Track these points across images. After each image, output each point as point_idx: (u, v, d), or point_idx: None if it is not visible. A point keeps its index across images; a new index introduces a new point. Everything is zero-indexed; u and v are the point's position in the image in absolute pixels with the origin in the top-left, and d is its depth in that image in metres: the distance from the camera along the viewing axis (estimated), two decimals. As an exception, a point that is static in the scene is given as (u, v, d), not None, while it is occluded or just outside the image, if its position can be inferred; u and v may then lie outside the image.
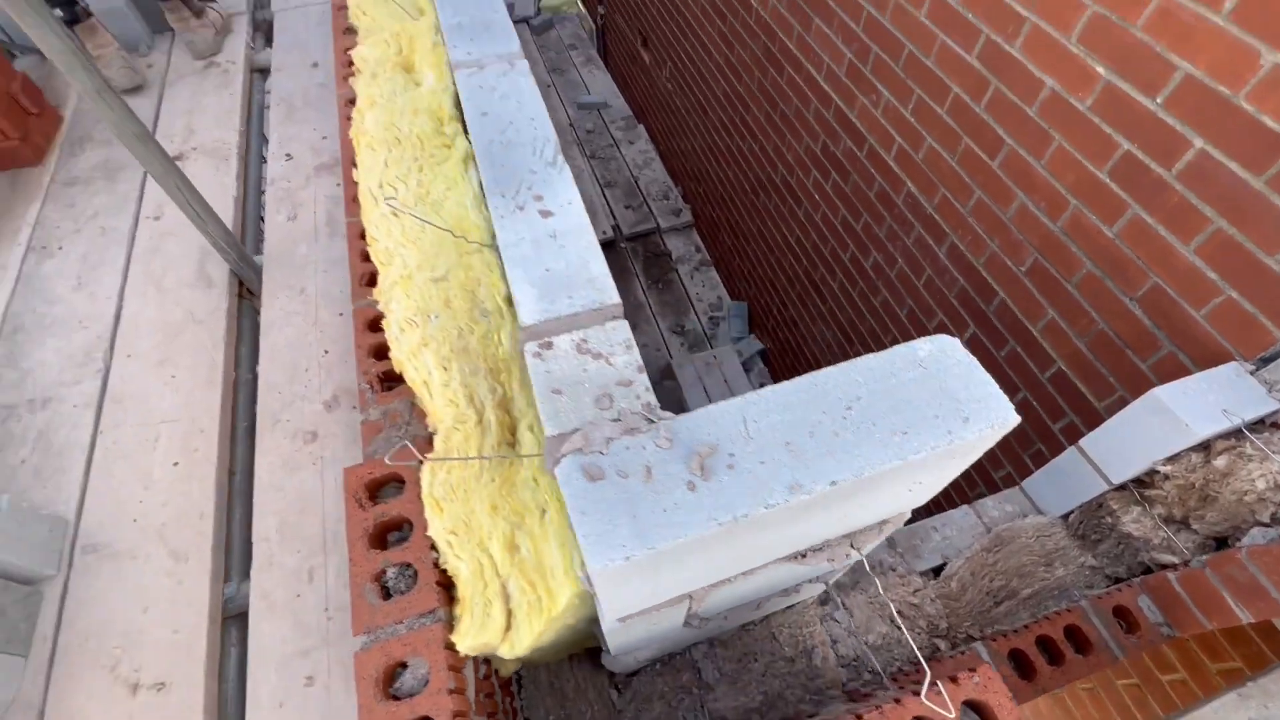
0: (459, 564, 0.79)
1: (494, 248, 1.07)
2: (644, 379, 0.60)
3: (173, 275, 1.52)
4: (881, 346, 2.47)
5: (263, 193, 1.98)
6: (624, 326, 0.64)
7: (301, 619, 1.04)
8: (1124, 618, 1.29)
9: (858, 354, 2.60)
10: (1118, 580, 1.43)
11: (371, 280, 1.24)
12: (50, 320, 1.45)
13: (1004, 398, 0.59)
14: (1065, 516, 1.50)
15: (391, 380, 1.11)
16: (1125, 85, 1.32)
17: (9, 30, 2.07)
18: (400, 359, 0.97)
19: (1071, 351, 1.64)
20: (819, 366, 2.44)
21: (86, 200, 1.69)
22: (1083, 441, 1.37)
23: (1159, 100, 1.26)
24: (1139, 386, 1.48)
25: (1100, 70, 1.36)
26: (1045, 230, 1.61)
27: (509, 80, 0.88)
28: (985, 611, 1.46)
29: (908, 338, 2.33)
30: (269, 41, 2.39)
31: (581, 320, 0.64)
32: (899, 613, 1.42)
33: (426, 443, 1.02)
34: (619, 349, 0.62)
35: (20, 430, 1.28)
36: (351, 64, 1.66)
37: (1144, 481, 1.33)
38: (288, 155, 1.78)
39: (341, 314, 1.43)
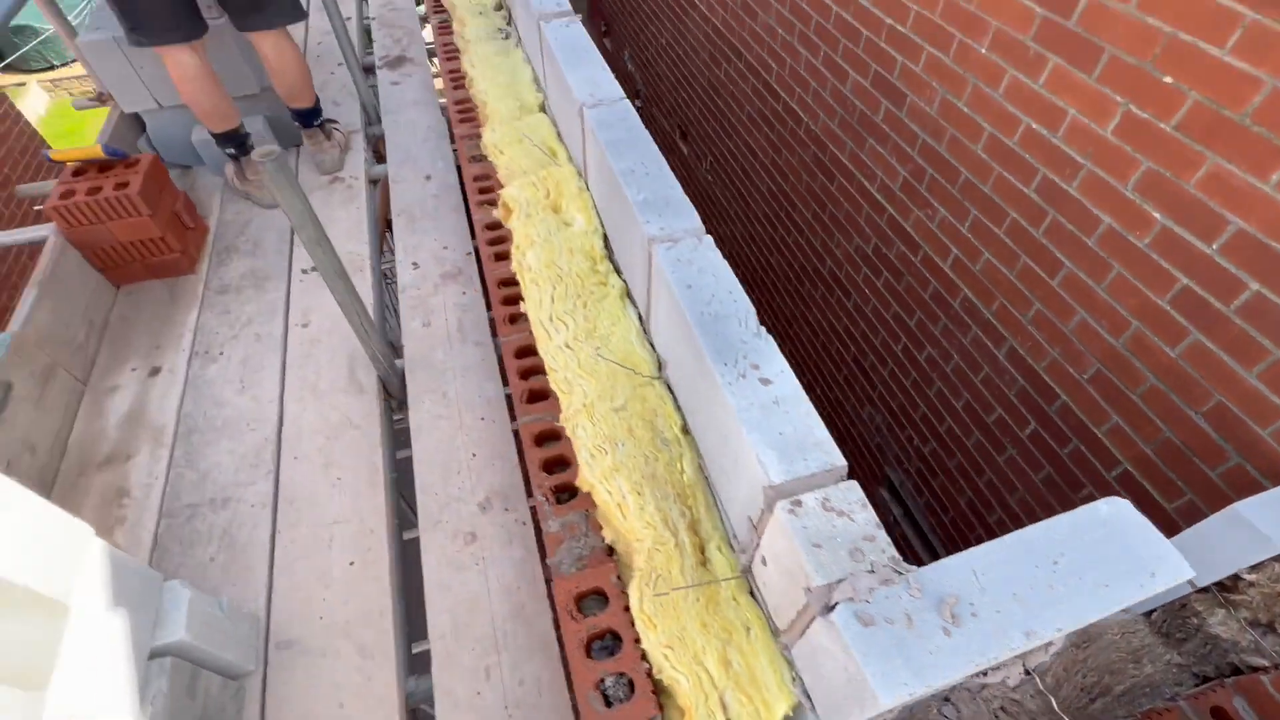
0: (677, 676, 0.91)
1: (663, 380, 1.23)
2: (884, 535, 0.74)
3: (326, 380, 1.69)
4: (936, 434, 2.62)
5: (388, 300, 2.18)
6: (855, 487, 0.79)
7: (485, 716, 1.14)
8: (1221, 718, 1.38)
9: (909, 439, 2.74)
10: (1206, 679, 1.52)
11: (532, 396, 1.40)
12: (221, 422, 1.60)
13: (1178, 554, 0.73)
14: (1148, 614, 1.60)
15: (562, 491, 1.26)
16: (1181, 230, 1.52)
17: (157, 148, 2.33)
18: (592, 481, 1.12)
19: (1138, 455, 1.79)
20: (867, 448, 2.59)
21: (239, 307, 1.88)
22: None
23: (1214, 246, 1.46)
24: (1209, 493, 1.62)
25: (1156, 216, 1.56)
26: (1107, 345, 1.79)
27: (701, 255, 1.06)
28: (1082, 708, 1.54)
29: (964, 429, 2.48)
30: (377, 155, 2.65)
31: (819, 480, 0.79)
32: (1002, 709, 1.50)
33: (605, 553, 1.15)
34: (857, 507, 0.76)
35: (206, 529, 1.41)
36: (483, 191, 1.88)
37: (1227, 586, 1.44)
38: (414, 264, 1.98)
39: (483, 418, 1.59)
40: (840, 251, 3.05)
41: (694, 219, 1.12)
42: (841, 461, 0.80)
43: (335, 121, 2.43)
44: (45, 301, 1.63)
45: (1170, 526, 1.70)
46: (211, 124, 1.91)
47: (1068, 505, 2.04)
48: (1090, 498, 1.98)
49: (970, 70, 2.02)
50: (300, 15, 1.94)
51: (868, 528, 0.75)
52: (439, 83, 2.98)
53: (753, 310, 0.98)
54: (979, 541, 2.31)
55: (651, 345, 1.28)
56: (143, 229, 1.81)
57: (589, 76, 1.49)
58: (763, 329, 0.96)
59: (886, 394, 2.98)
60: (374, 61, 3.02)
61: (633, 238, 1.22)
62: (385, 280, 2.64)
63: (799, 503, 0.77)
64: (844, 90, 2.70)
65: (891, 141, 2.48)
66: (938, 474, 2.74)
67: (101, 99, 2.34)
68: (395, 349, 1.86)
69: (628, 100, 1.42)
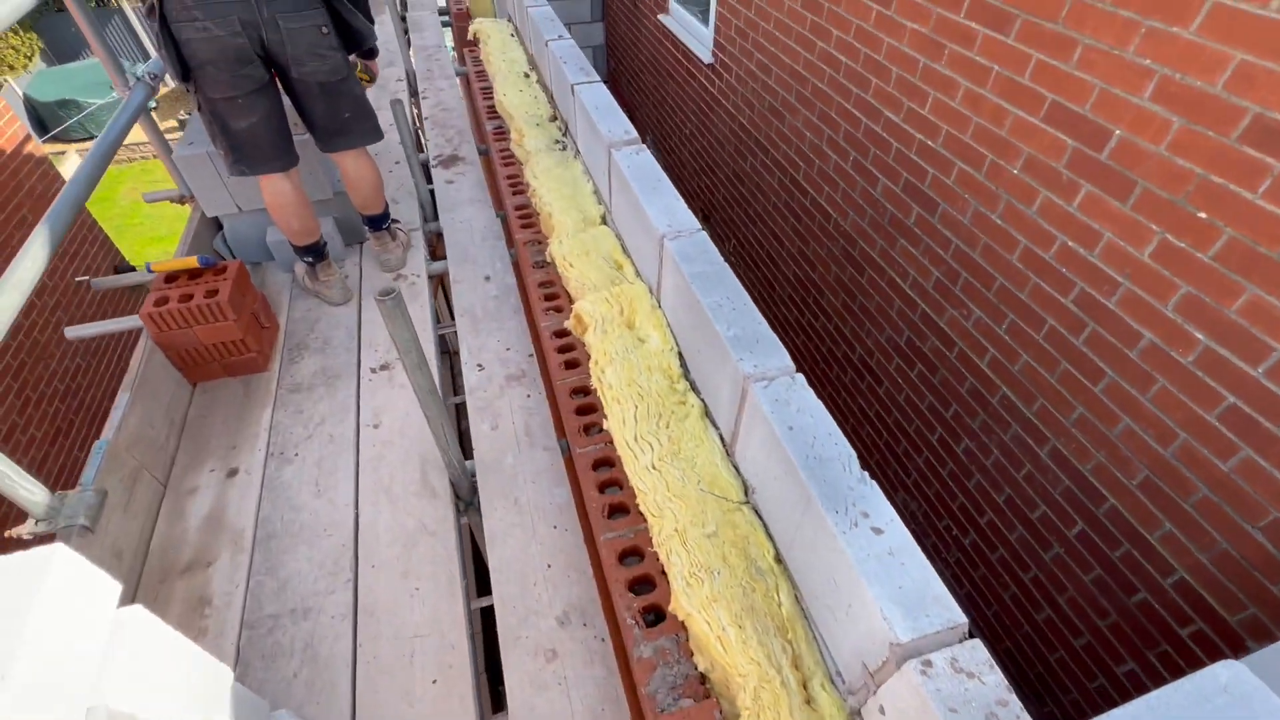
0: (796, 827, 0.91)
1: (750, 506, 1.28)
2: (1015, 699, 0.78)
3: (399, 484, 1.73)
4: (976, 526, 2.63)
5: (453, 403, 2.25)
6: (980, 646, 0.82)
7: None
8: None
9: (946, 529, 2.74)
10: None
11: (611, 510, 1.44)
12: (298, 527, 1.64)
13: (1303, 724, 0.76)
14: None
15: (648, 611, 1.28)
16: (1225, 352, 1.60)
17: (232, 245, 2.46)
18: (689, 610, 1.15)
19: (1194, 564, 1.80)
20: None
21: (312, 407, 1.94)
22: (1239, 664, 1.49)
23: (1260, 370, 1.53)
24: (1274, 609, 1.63)
25: (1199, 336, 1.65)
26: (1155, 453, 1.84)
27: (798, 395, 1.13)
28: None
29: (1008, 524, 2.49)
30: (432, 251, 2.79)
31: (944, 638, 0.83)
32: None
33: (698, 681, 1.17)
34: (985, 668, 0.80)
35: (288, 641, 1.43)
36: (548, 299, 1.99)
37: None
38: (479, 365, 2.06)
39: (555, 526, 1.62)
40: (870, 341, 3.15)
41: (785, 357, 1.20)
42: (963, 618, 0.84)
43: (399, 221, 2.58)
44: (136, 405, 1.70)
45: (1234, 641, 1.70)
46: (297, 240, 2.04)
47: (1122, 610, 2.04)
48: (1145, 604, 1.98)
49: (1003, 188, 2.16)
50: (380, 136, 2.10)
51: (999, 691, 0.78)
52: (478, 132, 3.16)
53: (854, 454, 1.04)
54: (1026, 640, 2.29)
55: (735, 468, 1.33)
56: (226, 332, 1.90)
57: (666, 206, 1.61)
58: (865, 474, 1.01)
59: (922, 482, 3.01)
60: (428, 159, 3.21)
61: (721, 370, 1.29)
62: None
63: (929, 663, 0.80)
64: (874, 193, 2.86)
65: (924, 244, 2.61)
66: (979, 566, 2.73)
67: (182, 200, 2.49)
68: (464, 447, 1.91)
69: (704, 231, 1.53)
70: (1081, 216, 1.90)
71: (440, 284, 2.79)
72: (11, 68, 15.09)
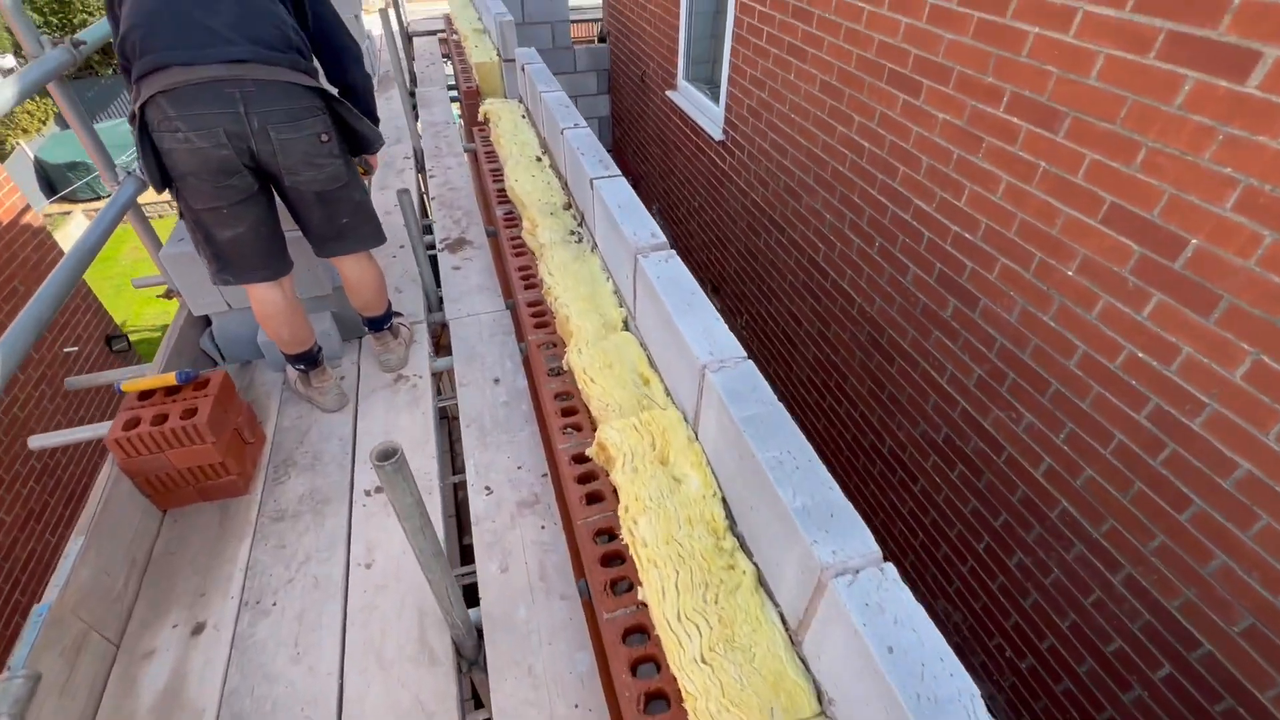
0: None
1: (827, 718, 1.04)
2: None
3: (393, 645, 1.48)
4: (1035, 650, 2.35)
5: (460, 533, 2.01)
6: None
7: None
8: None
9: (999, 648, 2.46)
10: None
11: (647, 700, 1.19)
12: (270, 706, 1.38)
13: None
14: None
15: None
16: (1348, 495, 1.40)
17: (220, 344, 2.28)
18: None
19: (1320, 735, 1.55)
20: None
21: (296, 540, 1.71)
22: None
23: (1397, 521, 1.32)
24: None
25: (1313, 474, 1.45)
26: (1261, 599, 1.61)
27: (892, 597, 0.92)
28: None
29: (1073, 653, 2.22)
30: (436, 342, 2.61)
31: None
32: None
33: None
34: None
35: None
36: (565, 414, 1.78)
37: None
38: (487, 489, 1.84)
39: (577, 705, 1.37)
40: (903, 433, 2.94)
41: (869, 540, 0.99)
42: None
43: (401, 316, 2.41)
44: (91, 552, 1.47)
45: (1389, 841, 1.43)
46: (288, 349, 1.86)
47: (1229, 776, 1.76)
48: (1259, 772, 1.70)
49: (1055, 288, 2.00)
50: (381, 240, 1.95)
51: None
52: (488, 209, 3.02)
53: (977, 693, 0.81)
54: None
55: (802, 661, 1.10)
56: (203, 455, 1.69)
57: (705, 328, 1.43)
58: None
59: (967, 593, 2.74)
60: (434, 241, 3.08)
61: (786, 546, 1.08)
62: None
63: None
64: (904, 281, 2.72)
65: (963, 339, 2.44)
66: (1040, 696, 2.44)
67: (170, 294, 2.32)
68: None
69: (750, 360, 1.35)
70: (1153, 327, 1.73)
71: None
72: (25, 131, 15.42)
